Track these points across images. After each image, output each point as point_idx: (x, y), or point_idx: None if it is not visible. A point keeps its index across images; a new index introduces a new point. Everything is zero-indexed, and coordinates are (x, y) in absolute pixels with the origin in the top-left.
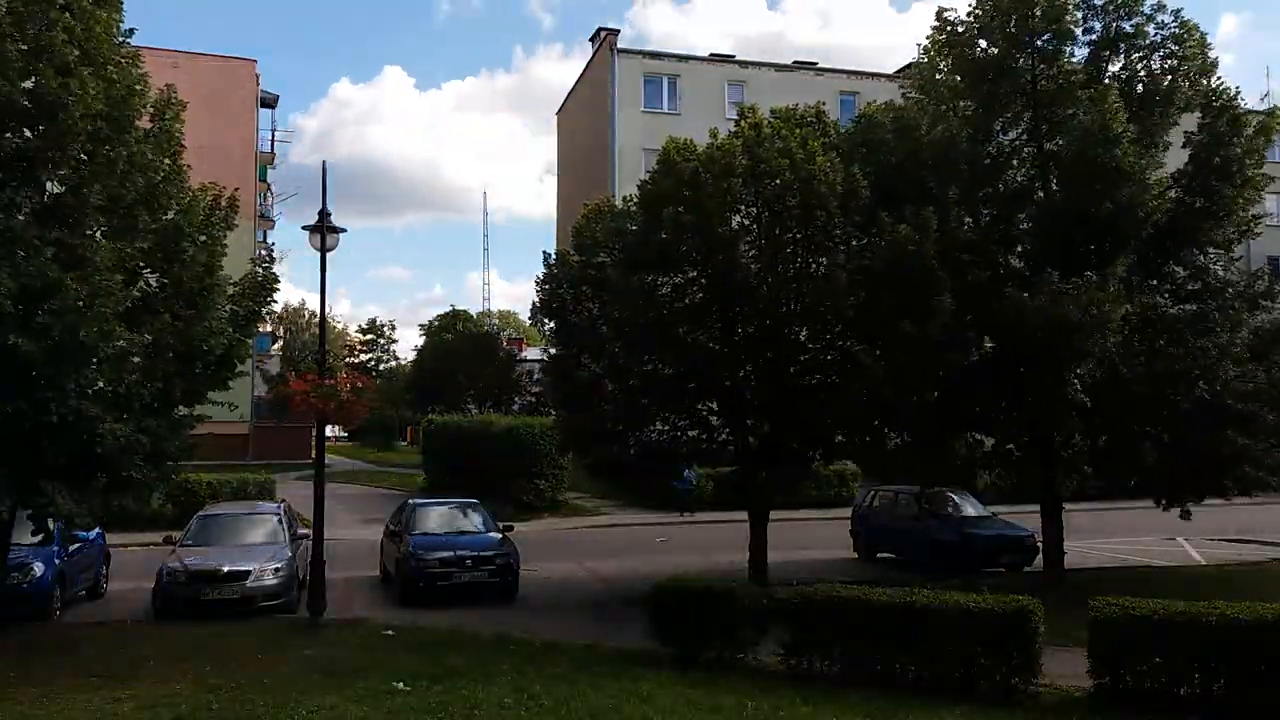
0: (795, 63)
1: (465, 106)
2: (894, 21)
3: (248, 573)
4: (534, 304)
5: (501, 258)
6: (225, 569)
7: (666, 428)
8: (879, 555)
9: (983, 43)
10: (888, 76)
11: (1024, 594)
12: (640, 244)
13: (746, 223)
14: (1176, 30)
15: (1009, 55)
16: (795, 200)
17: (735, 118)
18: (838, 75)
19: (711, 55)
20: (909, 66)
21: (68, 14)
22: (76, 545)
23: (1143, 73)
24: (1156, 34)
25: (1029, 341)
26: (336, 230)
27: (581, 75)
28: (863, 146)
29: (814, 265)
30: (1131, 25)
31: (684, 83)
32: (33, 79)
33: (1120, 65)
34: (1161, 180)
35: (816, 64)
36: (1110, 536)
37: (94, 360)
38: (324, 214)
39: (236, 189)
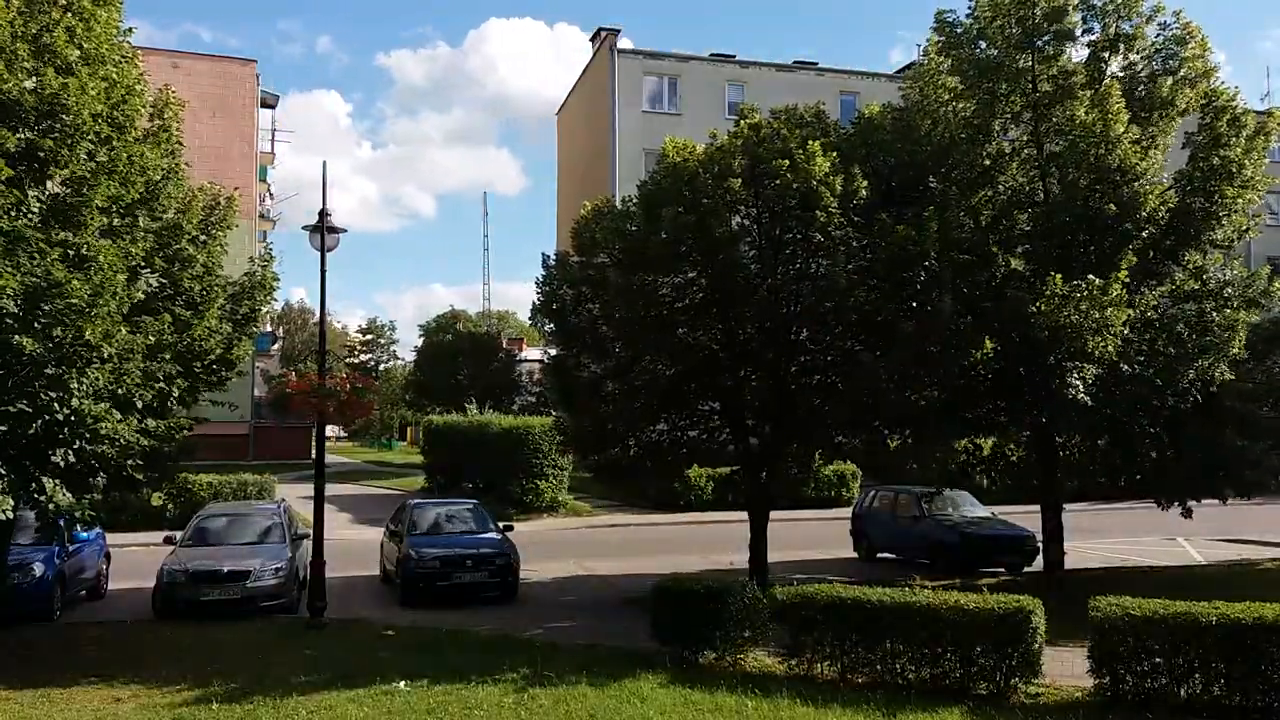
0: (795, 62)
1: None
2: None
3: (248, 573)
4: (534, 304)
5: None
6: (225, 569)
7: (667, 428)
8: (879, 555)
9: (982, 44)
10: (888, 76)
11: (1024, 594)
12: (640, 244)
13: (746, 223)
14: (1178, 32)
15: (1009, 56)
16: (795, 201)
17: (735, 118)
18: (838, 75)
19: (712, 55)
20: (909, 67)
21: (69, 14)
22: (76, 545)
23: (1144, 74)
24: (1157, 35)
25: (1031, 343)
26: (336, 230)
27: (581, 75)
28: (862, 147)
29: (814, 266)
30: (1131, 26)
31: (684, 83)
32: (35, 78)
33: (1121, 66)
34: (1162, 181)
35: (817, 64)
36: (1110, 536)
37: (97, 360)
38: (324, 214)
39: (236, 189)
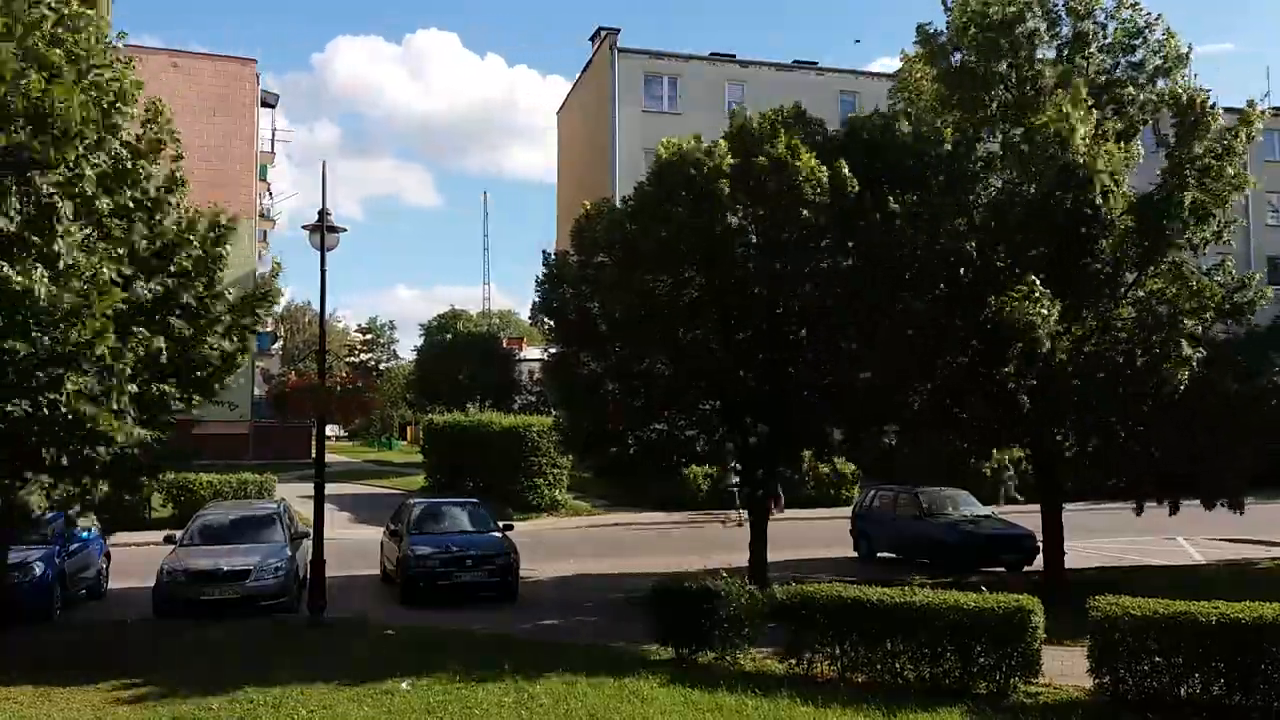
0: (795, 62)
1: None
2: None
3: (247, 573)
4: (534, 303)
5: None
6: (225, 569)
7: (665, 427)
8: (879, 555)
9: (959, 54)
10: (888, 77)
11: (1024, 594)
12: (638, 244)
13: (744, 223)
14: (1138, 24)
15: (986, 63)
16: (785, 200)
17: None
18: (838, 75)
19: (712, 55)
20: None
21: (53, 10)
22: (76, 545)
23: (1116, 71)
24: (1118, 28)
25: (995, 344)
26: (336, 230)
27: (581, 75)
28: (853, 148)
29: (808, 265)
30: (1093, 24)
31: (684, 82)
32: (23, 81)
33: (1095, 67)
34: (1122, 180)
35: (817, 64)
36: (1110, 536)
37: (87, 362)
38: (324, 213)
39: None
